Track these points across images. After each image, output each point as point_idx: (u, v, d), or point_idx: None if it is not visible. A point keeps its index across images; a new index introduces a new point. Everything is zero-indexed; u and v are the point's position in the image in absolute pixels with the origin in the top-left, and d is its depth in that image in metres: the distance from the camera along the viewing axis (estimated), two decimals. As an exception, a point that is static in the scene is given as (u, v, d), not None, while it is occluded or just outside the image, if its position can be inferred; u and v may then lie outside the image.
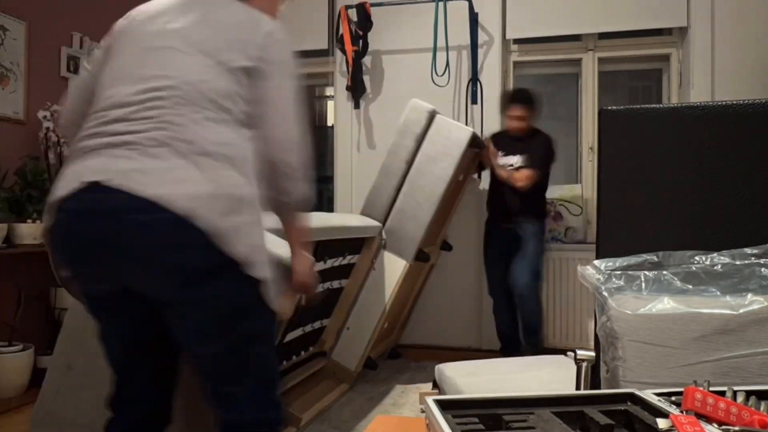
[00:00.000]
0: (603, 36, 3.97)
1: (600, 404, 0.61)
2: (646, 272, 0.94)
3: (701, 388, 0.60)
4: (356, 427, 2.63)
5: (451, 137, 3.18)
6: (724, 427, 0.57)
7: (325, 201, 4.63)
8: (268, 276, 1.23)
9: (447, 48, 3.88)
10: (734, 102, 1.01)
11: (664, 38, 3.92)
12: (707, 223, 1.01)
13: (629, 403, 0.62)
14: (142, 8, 1.37)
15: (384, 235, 3.19)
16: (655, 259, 0.96)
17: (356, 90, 4.08)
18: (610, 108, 1.07)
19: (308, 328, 2.81)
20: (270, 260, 1.26)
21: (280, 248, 1.45)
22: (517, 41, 4.08)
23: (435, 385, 2.35)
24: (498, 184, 3.53)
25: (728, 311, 0.85)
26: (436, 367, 2.33)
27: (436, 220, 3.30)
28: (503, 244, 3.54)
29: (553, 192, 3.81)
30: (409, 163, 3.22)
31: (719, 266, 0.92)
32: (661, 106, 1.04)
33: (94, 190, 1.15)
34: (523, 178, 3.39)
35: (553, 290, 3.85)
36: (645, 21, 3.77)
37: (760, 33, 3.59)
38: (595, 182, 3.74)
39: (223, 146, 1.20)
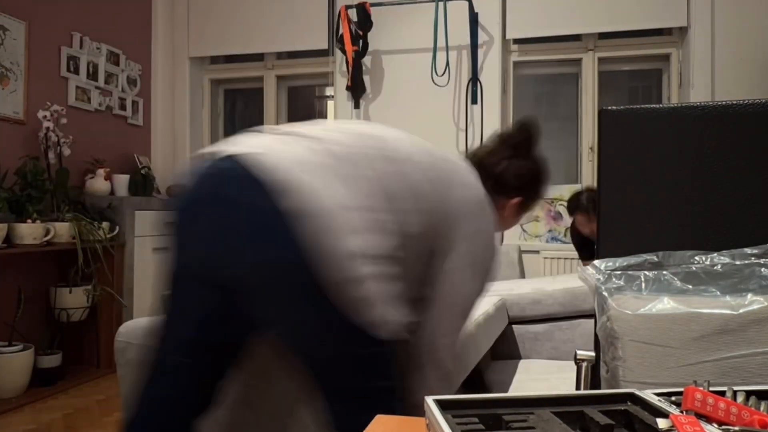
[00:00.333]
0: (603, 36, 3.97)
1: (600, 404, 0.61)
2: (646, 272, 0.94)
3: (701, 388, 0.60)
4: (356, 427, 2.62)
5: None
6: (724, 427, 0.57)
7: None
8: None
9: (447, 48, 3.88)
10: (734, 102, 1.01)
11: (664, 38, 3.93)
12: (707, 223, 1.01)
13: (629, 403, 0.62)
14: None
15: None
16: (655, 259, 0.96)
17: (356, 90, 4.08)
18: (610, 108, 1.07)
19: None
20: None
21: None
22: (517, 41, 4.08)
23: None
24: None
25: (728, 311, 0.85)
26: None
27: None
28: None
29: (553, 192, 3.81)
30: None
31: (719, 266, 0.92)
32: (661, 106, 1.04)
33: None
34: None
35: (553, 290, 3.85)
36: (645, 21, 3.77)
37: (760, 33, 3.59)
38: (595, 182, 3.74)
39: None
